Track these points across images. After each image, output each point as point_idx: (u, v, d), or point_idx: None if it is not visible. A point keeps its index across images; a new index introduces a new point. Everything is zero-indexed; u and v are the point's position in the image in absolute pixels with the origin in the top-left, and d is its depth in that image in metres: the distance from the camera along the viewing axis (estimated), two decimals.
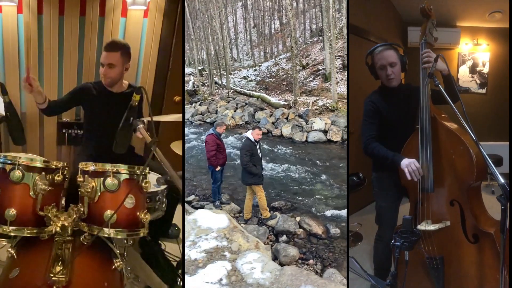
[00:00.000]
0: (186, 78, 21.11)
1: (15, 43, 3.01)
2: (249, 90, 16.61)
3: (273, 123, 11.16)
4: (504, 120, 3.60)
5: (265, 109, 12.57)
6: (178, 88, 3.37)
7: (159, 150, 1.53)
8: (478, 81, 4.74)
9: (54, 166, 1.50)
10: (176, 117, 2.10)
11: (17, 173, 1.39)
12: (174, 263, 2.29)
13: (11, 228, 1.37)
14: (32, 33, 3.01)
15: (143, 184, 1.52)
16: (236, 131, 11.04)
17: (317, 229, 4.26)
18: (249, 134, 4.53)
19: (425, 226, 1.92)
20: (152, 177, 2.02)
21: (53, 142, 3.28)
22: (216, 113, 13.35)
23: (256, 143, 4.45)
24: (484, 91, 4.74)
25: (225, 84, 17.92)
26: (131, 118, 1.61)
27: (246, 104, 13.70)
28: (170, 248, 2.40)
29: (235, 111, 13.15)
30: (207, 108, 14.38)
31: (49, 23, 3.01)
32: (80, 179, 1.47)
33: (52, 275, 1.31)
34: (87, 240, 1.46)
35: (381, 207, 2.31)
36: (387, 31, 4.16)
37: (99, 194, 1.45)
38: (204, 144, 5.17)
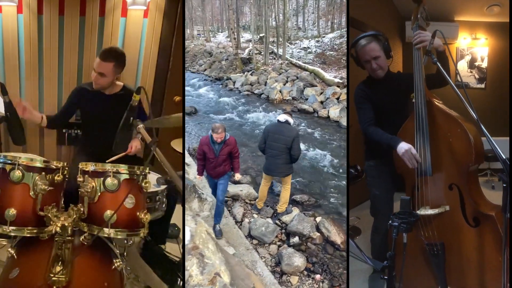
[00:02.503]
0: (244, 45, 20.43)
1: (15, 43, 3.01)
2: (305, 62, 15.10)
3: (321, 102, 9.97)
4: (503, 115, 3.60)
5: (316, 86, 11.49)
6: (178, 88, 3.37)
7: (159, 150, 1.54)
8: (477, 76, 4.74)
9: (54, 166, 1.50)
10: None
11: (17, 173, 1.39)
12: (174, 263, 2.29)
13: (11, 228, 1.37)
14: (32, 33, 3.01)
15: (143, 184, 1.52)
16: (281, 107, 10.26)
17: (336, 237, 3.62)
18: (289, 119, 3.88)
19: (424, 211, 1.91)
20: (152, 177, 2.03)
21: (53, 142, 3.28)
22: (265, 85, 12.61)
23: None
24: (483, 86, 4.74)
25: (281, 54, 16.50)
26: (131, 118, 1.62)
27: (297, 78, 12.46)
28: (170, 248, 2.40)
29: (284, 84, 12.22)
30: (257, 79, 13.50)
31: (49, 23, 3.01)
32: (80, 179, 1.47)
33: (52, 275, 1.31)
34: (87, 240, 1.46)
35: (375, 196, 2.29)
36: (385, 25, 4.16)
37: (99, 194, 1.45)
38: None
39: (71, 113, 2.42)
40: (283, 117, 3.88)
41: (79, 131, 3.21)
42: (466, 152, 1.80)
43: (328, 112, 9.21)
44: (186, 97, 12.10)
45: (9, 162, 1.41)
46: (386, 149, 1.98)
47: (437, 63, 1.77)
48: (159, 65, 3.26)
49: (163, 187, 1.99)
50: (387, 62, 2.10)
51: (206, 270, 2.03)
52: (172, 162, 1.52)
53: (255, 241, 3.69)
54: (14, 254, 1.42)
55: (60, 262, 1.36)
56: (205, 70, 18.34)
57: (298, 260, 3.24)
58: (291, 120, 3.88)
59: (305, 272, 3.24)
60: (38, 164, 1.45)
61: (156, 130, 1.63)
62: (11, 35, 2.99)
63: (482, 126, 1.57)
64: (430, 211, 1.90)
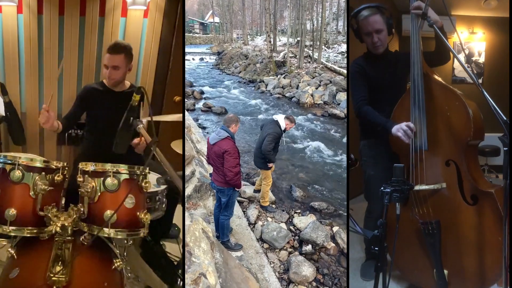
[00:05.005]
0: (281, 48, 20.65)
1: (15, 43, 3.01)
2: (341, 67, 14.78)
3: None
4: (501, 110, 3.59)
5: None
6: (178, 88, 3.37)
7: (159, 150, 1.53)
8: (474, 71, 4.71)
9: (54, 166, 1.50)
10: (176, 117, 2.10)
11: (17, 173, 1.39)
12: (174, 263, 2.29)
13: (11, 228, 1.37)
14: (32, 33, 3.01)
15: (143, 184, 1.52)
16: (310, 111, 10.29)
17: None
18: (280, 119, 4.01)
19: (419, 187, 1.86)
20: (152, 177, 2.02)
21: (53, 142, 3.28)
22: (297, 88, 12.58)
23: (283, 132, 4.07)
24: (480, 81, 4.71)
25: (316, 57, 16.30)
26: (131, 118, 1.62)
27: (331, 82, 12.37)
28: (170, 248, 2.40)
29: (316, 88, 12.09)
30: (290, 82, 13.46)
31: (49, 23, 3.01)
32: (80, 179, 1.47)
33: (52, 275, 1.31)
34: (87, 240, 1.46)
35: (370, 176, 2.21)
36: None
37: (99, 194, 1.45)
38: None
39: (81, 114, 2.39)
40: (276, 117, 4.09)
41: (79, 131, 3.21)
42: (464, 126, 1.75)
43: None
44: (218, 98, 12.42)
45: (9, 162, 1.41)
46: (381, 130, 1.93)
47: (434, 26, 1.72)
48: (159, 65, 3.26)
49: (163, 187, 1.99)
50: (388, 38, 2.03)
51: (191, 269, 2.01)
52: (172, 163, 1.52)
53: (266, 245, 3.61)
54: (14, 254, 1.42)
55: (60, 262, 1.36)
56: (240, 72, 18.46)
57: (307, 270, 3.11)
58: (281, 122, 4.02)
59: (314, 283, 3.10)
60: (38, 164, 1.45)
61: (156, 130, 1.63)
62: (11, 35, 2.99)
63: (484, 91, 1.51)
64: (425, 186, 1.85)
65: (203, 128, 8.61)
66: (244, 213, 4.13)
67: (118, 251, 1.61)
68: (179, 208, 2.34)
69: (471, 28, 4.57)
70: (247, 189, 4.58)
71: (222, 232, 3.31)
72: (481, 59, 4.67)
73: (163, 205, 2.01)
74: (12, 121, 1.93)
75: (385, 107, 1.99)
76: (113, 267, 1.50)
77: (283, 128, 4.02)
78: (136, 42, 3.13)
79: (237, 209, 4.11)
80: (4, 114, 1.93)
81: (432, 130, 1.84)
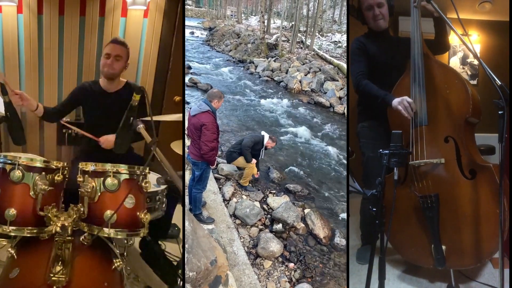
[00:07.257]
0: (274, 31, 20.74)
1: (15, 43, 3.01)
2: (332, 56, 14.86)
3: (340, 98, 9.93)
4: (496, 111, 3.60)
5: (337, 81, 11.37)
6: (178, 88, 3.37)
7: (159, 150, 1.53)
8: (469, 73, 4.74)
9: (54, 166, 1.50)
10: (176, 117, 2.10)
11: (17, 173, 1.39)
12: (174, 263, 2.28)
13: (11, 228, 1.37)
14: (32, 33, 3.01)
15: (143, 184, 1.52)
16: (297, 97, 10.33)
17: (320, 231, 3.63)
18: (266, 137, 4.43)
19: (418, 162, 1.89)
20: (152, 177, 2.02)
21: (53, 142, 3.28)
22: (287, 73, 12.68)
23: (264, 149, 4.43)
24: (475, 82, 4.74)
25: (309, 44, 16.39)
26: (131, 118, 1.62)
27: (320, 70, 12.45)
28: (170, 248, 2.40)
29: (305, 75, 12.17)
30: (280, 66, 13.47)
31: (49, 23, 3.01)
32: (80, 179, 1.47)
33: (52, 275, 1.31)
34: (87, 240, 1.46)
35: (369, 158, 2.23)
36: None
37: (99, 194, 1.45)
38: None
39: (70, 109, 2.40)
40: (263, 133, 4.51)
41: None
42: (463, 102, 1.79)
43: (345, 109, 9.04)
44: (205, 75, 12.25)
45: (9, 162, 1.41)
46: (380, 105, 1.95)
47: (431, 2, 1.75)
48: (159, 65, 3.26)
49: (163, 187, 1.99)
50: (389, 19, 2.07)
51: None
52: (172, 163, 1.52)
53: (238, 221, 3.76)
54: (14, 254, 1.42)
55: (60, 262, 1.36)
56: (230, 51, 18.27)
57: (275, 246, 3.30)
58: (265, 139, 4.45)
59: (280, 259, 3.30)
60: (38, 164, 1.45)
61: (156, 130, 1.63)
62: (11, 35, 2.99)
63: (483, 62, 1.54)
64: (423, 161, 1.88)
65: (187, 103, 8.51)
66: (220, 189, 4.26)
67: (118, 251, 1.61)
68: (179, 208, 2.34)
69: (466, 30, 4.61)
70: (225, 167, 4.71)
71: (195, 205, 3.39)
72: (476, 61, 4.69)
73: (163, 205, 2.01)
74: (12, 121, 1.92)
75: (384, 88, 2.00)
76: (113, 267, 1.50)
77: (265, 144, 4.40)
78: (136, 42, 3.13)
79: (213, 185, 4.23)
80: (4, 114, 1.92)
81: (432, 107, 1.88)
